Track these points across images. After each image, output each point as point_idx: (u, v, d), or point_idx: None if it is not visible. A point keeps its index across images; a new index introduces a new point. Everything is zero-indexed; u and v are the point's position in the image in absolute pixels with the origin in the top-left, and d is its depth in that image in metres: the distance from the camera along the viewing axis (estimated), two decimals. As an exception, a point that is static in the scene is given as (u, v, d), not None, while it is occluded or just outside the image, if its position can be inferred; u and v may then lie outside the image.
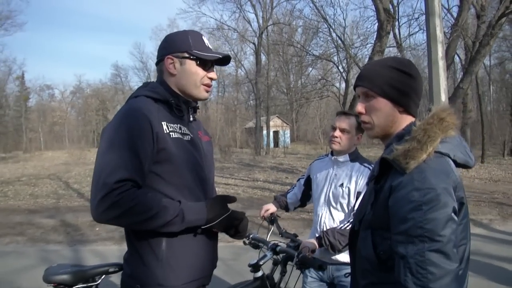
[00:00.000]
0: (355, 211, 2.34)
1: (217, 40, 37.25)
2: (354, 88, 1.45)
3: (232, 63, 40.58)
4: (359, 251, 1.37)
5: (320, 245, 2.34)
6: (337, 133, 2.51)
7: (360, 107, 1.40)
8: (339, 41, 17.80)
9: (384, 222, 1.23)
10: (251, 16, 40.92)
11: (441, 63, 6.39)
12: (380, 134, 1.40)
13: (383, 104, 1.35)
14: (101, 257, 5.78)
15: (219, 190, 12.28)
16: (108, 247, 6.39)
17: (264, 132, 34.39)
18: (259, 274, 2.22)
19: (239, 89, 49.29)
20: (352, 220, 2.34)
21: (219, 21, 35.06)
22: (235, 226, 1.71)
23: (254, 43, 33.66)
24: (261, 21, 32.21)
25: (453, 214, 1.14)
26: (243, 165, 21.22)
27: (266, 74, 32.81)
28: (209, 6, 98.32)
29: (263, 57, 34.70)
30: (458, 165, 1.28)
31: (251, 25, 34.68)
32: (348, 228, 2.31)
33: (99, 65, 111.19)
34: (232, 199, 1.70)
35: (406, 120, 1.37)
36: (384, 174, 1.30)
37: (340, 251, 2.35)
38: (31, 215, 9.22)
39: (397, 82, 1.34)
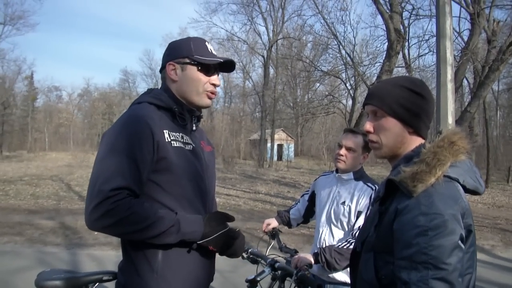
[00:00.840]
0: (356, 232, 2.31)
1: (227, 51, 37.45)
2: (363, 106, 1.41)
3: (240, 74, 40.89)
4: (360, 273, 1.33)
5: (316, 261, 2.30)
6: (343, 151, 2.47)
7: (368, 126, 1.36)
8: (348, 58, 17.85)
9: (387, 245, 1.19)
10: (262, 29, 41.29)
11: (450, 86, 6.38)
12: (387, 154, 1.36)
13: (392, 124, 1.32)
14: (98, 262, 5.74)
15: (221, 201, 12.24)
16: (106, 252, 6.34)
17: (268, 144, 34.34)
18: None
19: (245, 101, 49.40)
20: (351, 239, 2.30)
21: (230, 32, 35.28)
22: (231, 245, 1.63)
23: (263, 56, 33.82)
24: (271, 35, 32.40)
25: (460, 242, 1.10)
26: (246, 177, 21.17)
27: (274, 87, 32.88)
28: (221, 17, 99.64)
29: (271, 70, 34.84)
30: (467, 190, 1.25)
31: (261, 38, 34.96)
32: (346, 247, 2.27)
33: (108, 69, 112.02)
34: (231, 218, 1.65)
35: (415, 141, 1.33)
36: (390, 196, 1.26)
37: (336, 270, 2.30)
38: (30, 215, 9.19)
39: (408, 102, 1.31)
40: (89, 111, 61.44)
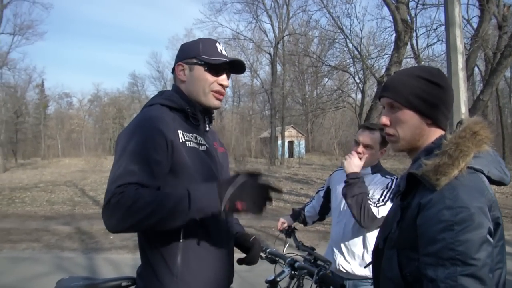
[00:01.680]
0: (377, 202, 2.27)
1: (233, 50, 37.43)
2: (379, 99, 1.37)
3: (247, 73, 40.80)
4: (383, 271, 1.29)
5: (347, 180, 2.30)
6: (361, 149, 2.43)
7: (384, 119, 1.32)
8: (356, 52, 17.69)
9: (411, 241, 1.15)
10: (267, 26, 41.07)
11: (461, 75, 6.27)
12: (406, 147, 1.32)
13: (409, 116, 1.28)
14: (115, 265, 5.77)
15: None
16: (122, 255, 6.38)
17: (279, 142, 34.26)
18: None
19: (254, 99, 49.33)
20: (380, 204, 2.25)
21: (235, 31, 35.11)
22: (266, 196, 1.35)
23: (270, 53, 33.74)
24: (277, 32, 32.30)
25: (488, 236, 1.06)
26: (258, 175, 21.11)
27: (282, 84, 32.78)
28: (226, 16, 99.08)
29: (279, 67, 34.71)
30: (492, 182, 1.20)
31: (267, 36, 34.83)
32: (369, 205, 2.21)
33: (117, 74, 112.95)
34: (256, 172, 1.38)
35: (435, 133, 1.29)
36: (411, 191, 1.22)
37: (346, 195, 2.28)
38: (47, 221, 9.30)
39: (425, 93, 1.26)
40: (100, 116, 61.92)
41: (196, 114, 1.64)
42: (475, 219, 1.05)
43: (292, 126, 41.66)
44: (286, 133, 36.37)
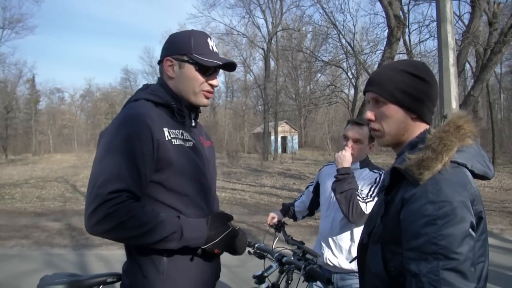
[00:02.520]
0: (366, 197, 2.27)
1: (227, 45, 37.36)
2: (364, 93, 1.36)
3: (241, 68, 40.77)
4: (368, 266, 1.28)
5: (337, 178, 2.31)
6: (350, 143, 2.44)
7: (369, 114, 1.31)
8: (349, 47, 17.67)
9: (395, 236, 1.15)
10: (261, 21, 41.10)
11: (452, 70, 6.29)
12: (391, 142, 1.31)
13: (394, 111, 1.27)
14: (105, 262, 5.74)
15: (226, 196, 12.23)
16: (113, 252, 6.34)
17: (272, 137, 34.30)
18: (264, 286, 2.15)
19: (247, 94, 49.30)
20: (362, 200, 2.26)
21: (229, 26, 35.07)
22: (233, 244, 1.61)
23: (263, 49, 33.69)
24: (270, 27, 32.25)
25: (470, 230, 1.05)
26: (251, 170, 21.16)
27: (275, 80, 32.77)
28: (219, 11, 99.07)
29: (272, 63, 34.71)
30: (476, 176, 1.19)
31: (260, 31, 34.79)
32: (357, 200, 2.22)
33: (109, 69, 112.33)
34: (230, 217, 1.62)
35: (419, 127, 1.28)
36: (395, 185, 1.21)
37: (335, 190, 2.29)
38: (37, 218, 9.22)
39: (409, 87, 1.25)
40: (92, 112, 61.59)
41: (182, 109, 1.61)
42: (457, 213, 1.05)
43: (285, 122, 41.70)
44: (279, 129, 36.43)
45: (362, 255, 1.36)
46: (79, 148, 45.84)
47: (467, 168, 1.16)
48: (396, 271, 1.15)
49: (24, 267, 5.43)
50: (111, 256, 6.06)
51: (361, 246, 1.39)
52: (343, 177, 2.29)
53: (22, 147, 46.42)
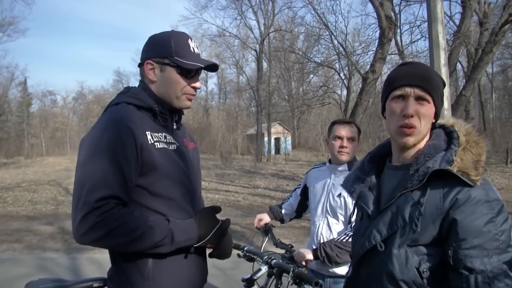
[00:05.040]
0: (354, 224, 2.26)
1: (219, 47, 37.39)
2: (404, 86, 1.29)
3: (233, 69, 40.78)
4: (387, 274, 1.23)
5: (316, 257, 2.26)
6: (346, 143, 2.43)
7: (412, 110, 1.25)
8: (341, 48, 17.69)
9: (432, 237, 1.18)
10: (253, 23, 40.98)
11: (444, 70, 6.30)
12: (419, 141, 1.29)
13: (432, 112, 1.29)
14: (98, 265, 5.70)
15: (220, 197, 12.21)
16: (106, 255, 6.17)
17: (266, 138, 34.30)
18: None
19: (240, 96, 49.26)
20: (349, 232, 2.26)
21: (221, 27, 35.04)
22: (225, 234, 1.63)
23: (255, 50, 33.70)
24: (262, 28, 32.26)
25: None
26: (244, 172, 21.13)
27: (268, 81, 32.78)
28: (211, 13, 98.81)
29: (265, 64, 34.72)
30: None
31: (252, 32, 34.77)
32: (345, 240, 2.23)
33: (101, 71, 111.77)
34: (218, 209, 1.62)
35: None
36: (423, 187, 1.21)
37: (337, 264, 2.27)
38: (29, 221, 9.15)
39: (442, 94, 1.32)
40: (85, 114, 61.14)
41: (164, 112, 1.59)
42: (505, 210, 1.17)
43: (278, 123, 41.71)
44: (273, 130, 36.43)
45: (370, 263, 1.32)
46: (72, 151, 45.45)
47: None
48: (429, 272, 1.18)
49: (15, 272, 5.37)
50: (104, 259, 5.97)
51: (370, 253, 1.31)
52: (323, 256, 2.25)
53: (14, 150, 45.98)
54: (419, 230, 1.19)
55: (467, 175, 1.16)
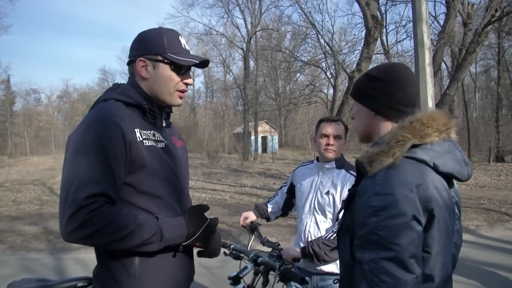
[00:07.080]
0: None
1: (206, 45, 37.22)
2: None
3: (220, 68, 40.67)
4: (339, 255, 1.36)
5: (304, 255, 2.26)
6: (332, 141, 2.44)
7: (352, 113, 1.44)
8: (327, 47, 17.77)
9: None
10: (240, 21, 41.08)
11: (428, 70, 6.39)
12: (361, 138, 1.42)
13: (359, 109, 1.38)
14: (83, 265, 5.63)
15: (206, 196, 12.17)
16: (91, 255, 6.11)
17: (252, 137, 34.33)
18: (240, 287, 2.14)
19: (227, 95, 49.19)
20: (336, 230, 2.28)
21: (208, 26, 34.94)
22: (214, 232, 1.63)
23: (242, 49, 33.65)
24: (249, 27, 32.24)
25: (412, 223, 1.09)
26: (231, 171, 21.11)
27: (255, 80, 32.77)
28: (198, 11, 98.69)
29: (252, 63, 34.71)
30: (447, 175, 1.21)
31: (239, 31, 34.76)
32: (333, 237, 2.24)
33: (86, 69, 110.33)
34: (206, 207, 1.62)
35: (386, 126, 1.31)
36: (361, 177, 1.26)
37: (325, 262, 2.27)
38: (12, 222, 9.00)
39: (364, 86, 1.35)
40: (69, 113, 60.40)
41: (153, 110, 1.58)
42: (399, 206, 1.09)
43: (265, 122, 41.77)
44: (260, 129, 36.46)
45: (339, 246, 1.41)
46: (57, 150, 44.91)
47: (428, 165, 1.18)
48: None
49: (-2, 273, 5.28)
50: (89, 259, 5.93)
51: (338, 238, 1.42)
52: (311, 254, 2.24)
53: (-4, 150, 45.25)
54: (350, 218, 1.26)
55: (363, 165, 1.19)
